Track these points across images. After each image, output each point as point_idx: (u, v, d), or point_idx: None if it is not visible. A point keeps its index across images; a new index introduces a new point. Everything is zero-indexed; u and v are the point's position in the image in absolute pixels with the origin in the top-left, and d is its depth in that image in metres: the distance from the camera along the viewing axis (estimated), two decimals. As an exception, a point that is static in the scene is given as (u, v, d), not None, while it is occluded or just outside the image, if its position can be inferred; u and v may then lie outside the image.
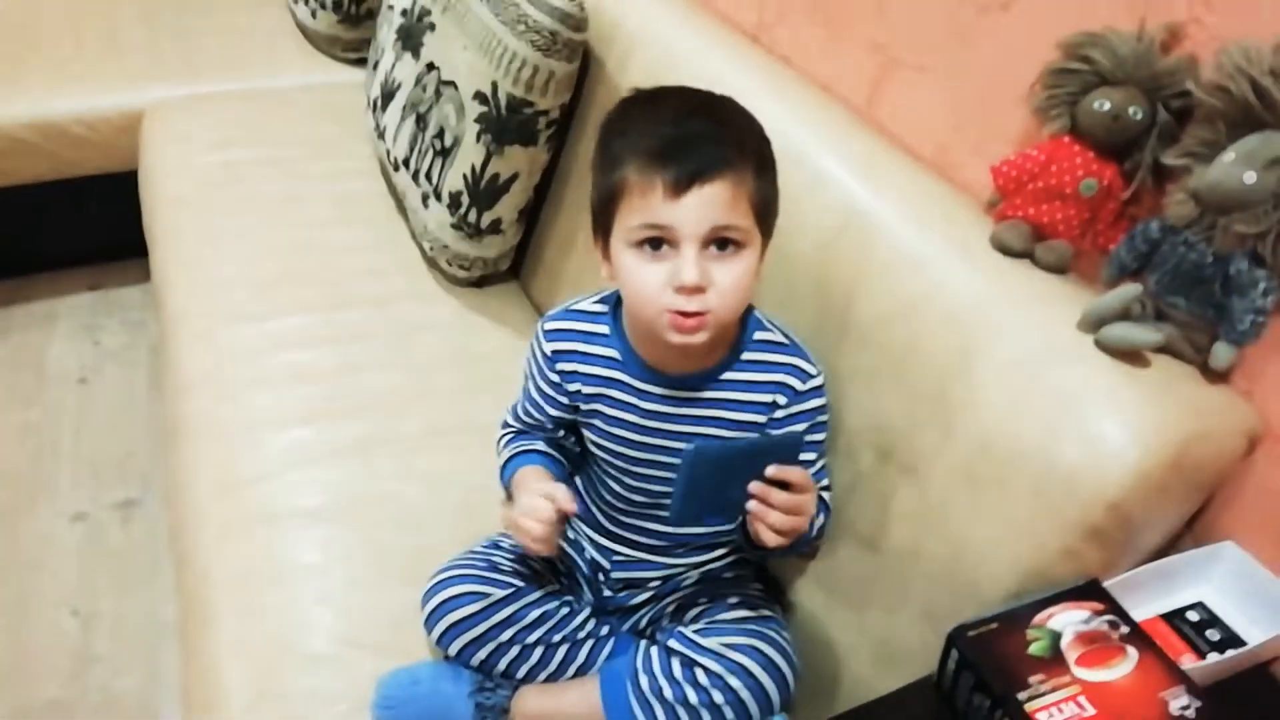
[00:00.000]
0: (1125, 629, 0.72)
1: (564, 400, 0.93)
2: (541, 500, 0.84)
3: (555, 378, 0.93)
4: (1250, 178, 0.68)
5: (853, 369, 0.91)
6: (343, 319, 1.36)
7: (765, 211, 0.82)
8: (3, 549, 1.52)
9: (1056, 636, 0.71)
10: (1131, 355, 0.75)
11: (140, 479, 1.64)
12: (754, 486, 0.75)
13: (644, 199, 0.78)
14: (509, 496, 0.95)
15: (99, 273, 2.06)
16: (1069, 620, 0.72)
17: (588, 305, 0.94)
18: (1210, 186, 0.70)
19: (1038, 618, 0.73)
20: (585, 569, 0.98)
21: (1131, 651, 0.70)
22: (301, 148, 1.72)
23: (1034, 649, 0.70)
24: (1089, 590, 0.75)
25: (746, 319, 0.88)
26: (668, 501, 0.78)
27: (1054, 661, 0.69)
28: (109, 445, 1.71)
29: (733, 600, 0.92)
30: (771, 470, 0.75)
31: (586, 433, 0.94)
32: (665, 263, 0.78)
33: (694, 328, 0.79)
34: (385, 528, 1.08)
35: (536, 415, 0.97)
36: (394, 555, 1.05)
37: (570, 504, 0.84)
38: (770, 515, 0.76)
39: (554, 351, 0.93)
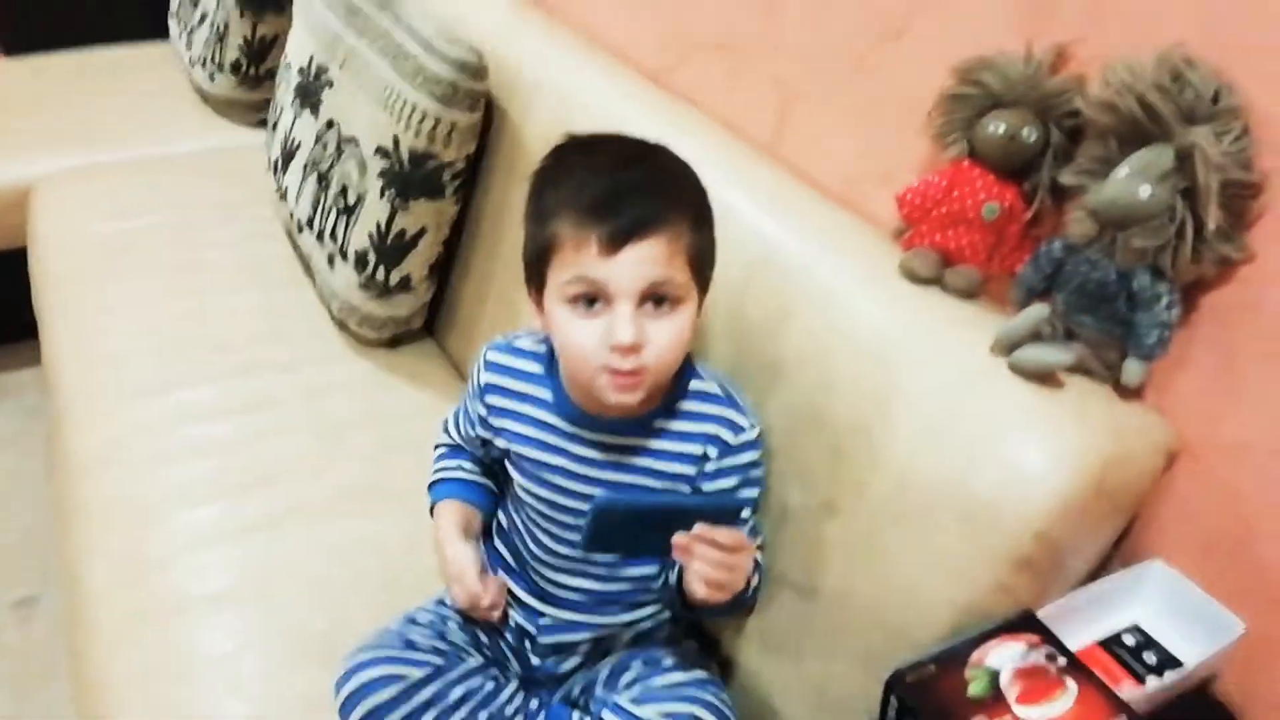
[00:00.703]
0: (1063, 660, 0.70)
1: (489, 433, 0.92)
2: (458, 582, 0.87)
3: (483, 410, 0.91)
4: (1145, 191, 0.68)
5: (774, 409, 0.88)
6: (247, 387, 1.30)
7: (702, 264, 0.80)
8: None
9: (995, 675, 0.69)
10: (1045, 377, 0.74)
11: (38, 574, 1.54)
12: (678, 538, 0.72)
13: (577, 254, 0.76)
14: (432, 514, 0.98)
15: (-9, 356, 1.95)
16: (1006, 656, 0.70)
17: (527, 344, 0.92)
18: (1107, 203, 0.70)
19: (974, 655, 0.70)
20: (511, 637, 0.93)
21: (1071, 684, 0.68)
22: (202, 213, 1.66)
23: (973, 689, 0.68)
24: (1023, 622, 0.73)
25: (682, 367, 0.85)
26: (599, 557, 0.74)
27: (995, 701, 0.67)
28: (2, 539, 1.60)
29: (667, 663, 0.88)
30: (698, 529, 0.72)
31: (514, 474, 0.91)
32: (600, 319, 0.76)
33: (630, 385, 0.77)
34: (298, 606, 1.02)
35: (469, 434, 0.96)
36: (309, 636, 0.98)
37: (499, 596, 0.89)
38: (694, 563, 0.73)
39: (487, 384, 0.91)
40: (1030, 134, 0.78)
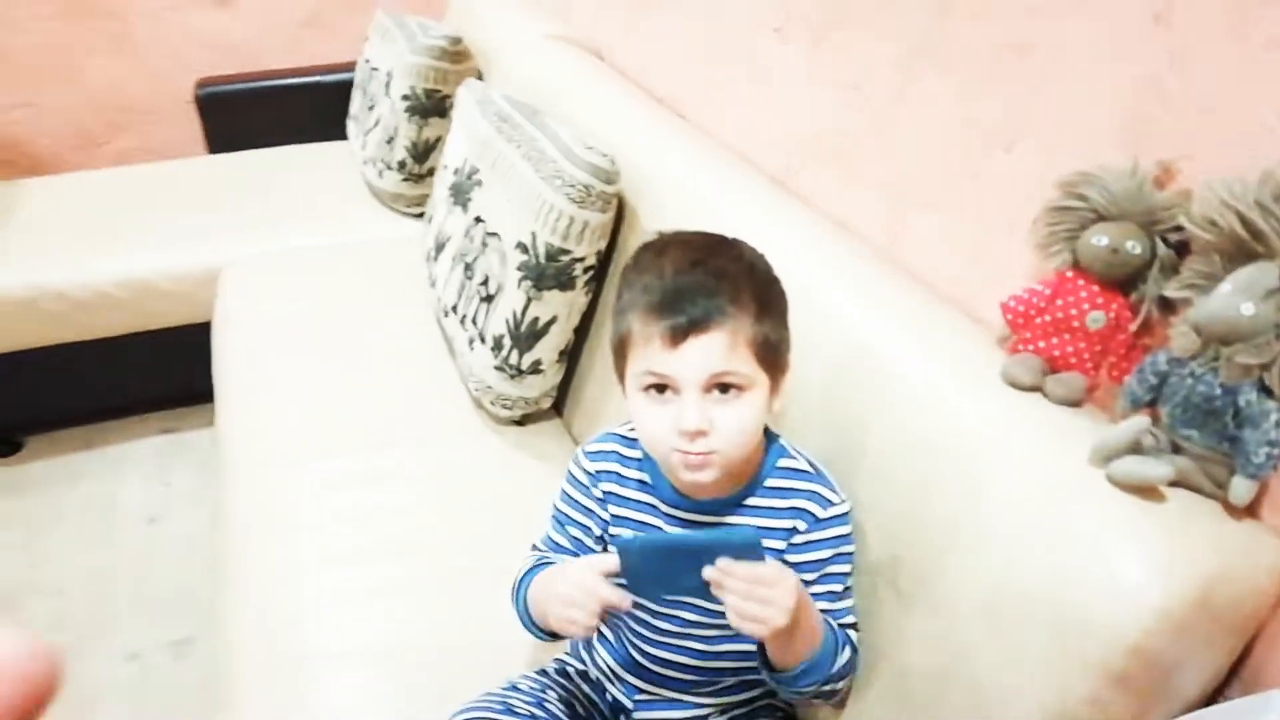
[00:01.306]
0: (1161, 785, 0.67)
1: (603, 520, 0.95)
2: (581, 590, 0.81)
3: (599, 494, 0.95)
4: (1249, 309, 0.68)
5: (869, 502, 0.90)
6: (389, 460, 1.41)
7: (770, 352, 0.84)
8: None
9: (1085, 792, 0.67)
10: (1146, 490, 0.73)
11: (197, 617, 1.68)
12: (707, 572, 0.75)
13: (646, 348, 0.82)
14: (526, 617, 0.94)
15: (172, 417, 2.17)
16: (1099, 774, 0.68)
17: (625, 430, 0.98)
18: (1209, 318, 0.70)
19: (1065, 771, 0.69)
20: (606, 710, 0.97)
21: (1166, 810, 0.65)
22: (362, 297, 1.83)
23: (1060, 806, 0.66)
24: (1121, 742, 0.71)
25: (770, 447, 0.90)
26: (697, 632, 0.79)
27: (1081, 820, 0.65)
28: (170, 584, 1.76)
29: (758, 746, 0.89)
30: (721, 563, 0.75)
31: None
32: (670, 406, 0.82)
33: (700, 465, 0.82)
34: (415, 671, 1.08)
35: (566, 540, 0.98)
36: (422, 699, 1.04)
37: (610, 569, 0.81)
38: (727, 597, 0.75)
39: (597, 471, 0.96)
40: (1135, 247, 0.79)
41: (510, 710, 0.91)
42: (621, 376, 0.88)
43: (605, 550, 0.96)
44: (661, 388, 0.82)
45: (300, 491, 1.34)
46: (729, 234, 0.90)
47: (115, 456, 2.09)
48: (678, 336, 0.80)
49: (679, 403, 0.81)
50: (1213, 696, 0.79)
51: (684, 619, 0.92)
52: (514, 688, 0.95)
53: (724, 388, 0.81)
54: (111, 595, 1.74)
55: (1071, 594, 0.71)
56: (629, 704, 0.95)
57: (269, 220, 2.14)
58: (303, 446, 1.42)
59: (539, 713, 0.92)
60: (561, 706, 0.94)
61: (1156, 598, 0.68)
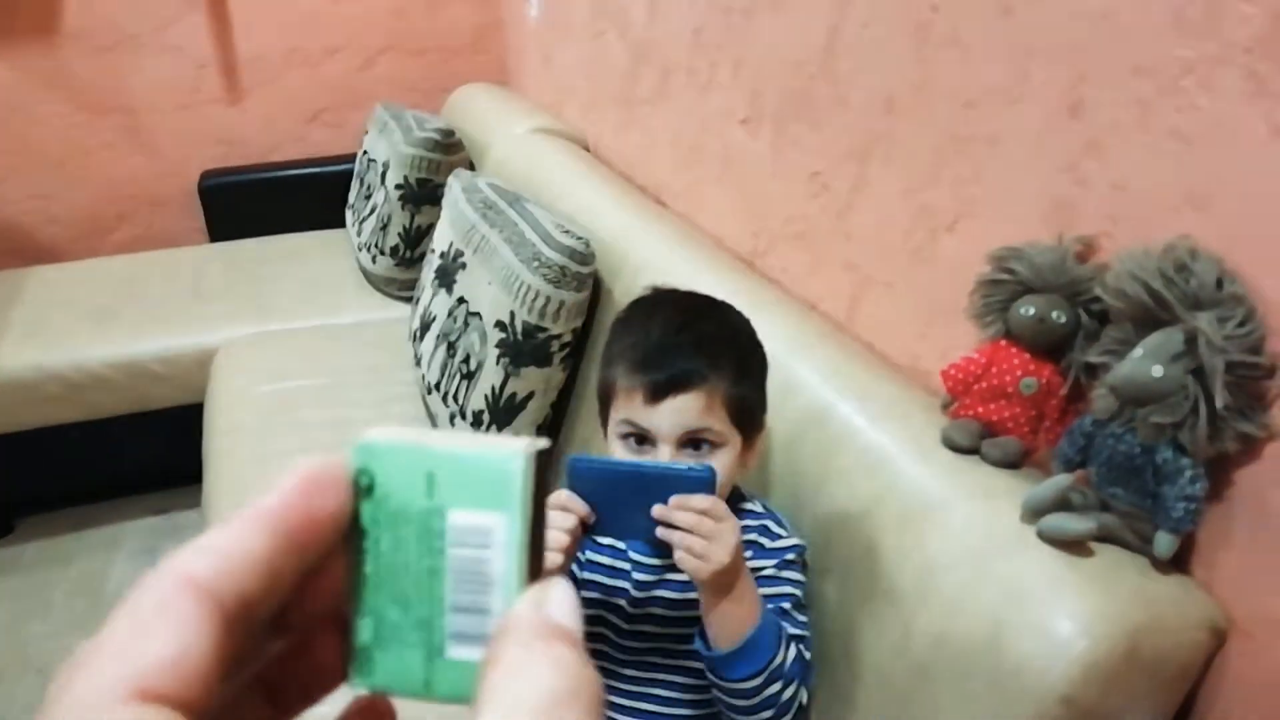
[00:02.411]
0: (1097, 836, 0.69)
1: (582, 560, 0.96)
2: (554, 512, 0.80)
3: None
4: (1158, 371, 0.72)
5: (823, 565, 0.93)
6: (369, 533, 1.43)
7: (745, 413, 0.89)
8: (38, 769, 1.55)
9: (1022, 843, 0.68)
10: (1074, 545, 0.76)
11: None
12: (657, 510, 0.78)
13: (628, 400, 0.87)
14: None
15: (164, 498, 2.19)
16: (1037, 826, 0.70)
17: None
18: (1123, 381, 0.75)
19: (1004, 823, 0.70)
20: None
21: None
22: (351, 376, 1.88)
23: None
24: (1061, 794, 0.73)
25: (733, 495, 0.93)
26: (663, 676, 0.84)
27: None
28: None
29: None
30: (674, 498, 0.77)
31: (589, 608, 0.97)
32: (647, 457, 0.87)
33: None
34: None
35: None
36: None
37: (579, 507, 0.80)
38: (674, 534, 0.77)
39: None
40: (1060, 317, 0.84)
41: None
42: (605, 421, 0.93)
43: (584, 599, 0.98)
44: (640, 438, 0.87)
45: (281, 565, 1.37)
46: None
47: (106, 538, 2.11)
48: (658, 394, 0.85)
49: (655, 454, 0.86)
50: (1159, 751, 0.81)
51: (648, 662, 0.94)
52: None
53: (697, 444, 0.86)
54: (94, 675, 1.74)
55: (1007, 647, 0.74)
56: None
57: (264, 304, 2.21)
58: (286, 521, 1.45)
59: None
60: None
61: (1083, 649, 0.71)
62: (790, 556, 0.91)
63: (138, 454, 2.13)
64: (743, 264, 1.44)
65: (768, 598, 0.89)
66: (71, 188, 2.63)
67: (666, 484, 0.79)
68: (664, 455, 0.85)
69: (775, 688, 0.83)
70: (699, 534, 0.78)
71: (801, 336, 1.15)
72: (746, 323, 0.94)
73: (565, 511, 0.79)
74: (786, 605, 0.90)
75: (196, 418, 1.94)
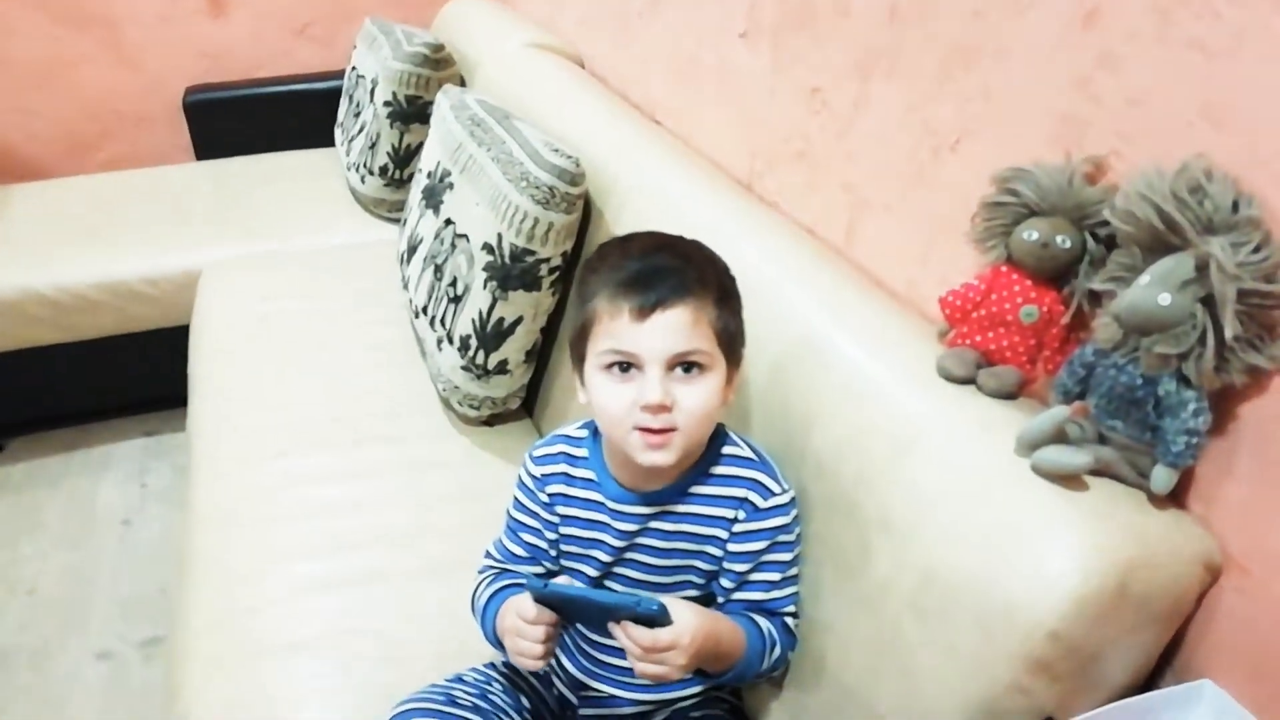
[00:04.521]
0: (1081, 772, 0.68)
1: (553, 522, 0.95)
2: (525, 626, 0.84)
3: (545, 498, 0.96)
4: (1165, 299, 0.69)
5: (811, 493, 0.91)
6: (357, 457, 1.42)
7: (728, 339, 0.86)
8: (31, 687, 1.56)
9: (1003, 778, 0.67)
10: (1068, 479, 0.74)
11: (167, 616, 1.68)
12: (612, 628, 0.80)
13: (613, 324, 0.83)
14: (499, 646, 0.93)
15: (154, 420, 2.19)
16: (1019, 761, 0.69)
17: (571, 430, 0.99)
18: (1128, 309, 0.71)
19: (986, 758, 0.69)
20: (553, 704, 0.97)
21: (1082, 796, 0.66)
22: (338, 300, 1.84)
23: (977, 791, 0.67)
24: (1044, 729, 0.72)
25: (716, 436, 0.91)
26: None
27: (997, 804, 0.65)
28: (143, 584, 1.77)
29: (696, 742, 0.89)
30: (624, 627, 0.79)
31: (564, 560, 0.96)
32: (632, 384, 0.83)
33: (660, 444, 0.83)
34: (369, 663, 1.09)
35: (521, 549, 0.98)
36: (374, 691, 1.05)
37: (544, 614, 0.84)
38: (629, 656, 0.80)
39: (543, 475, 0.96)
40: (1064, 241, 0.80)
41: (453, 701, 0.91)
42: (580, 363, 0.89)
43: (559, 551, 0.97)
44: (625, 366, 0.83)
45: (264, 488, 1.35)
46: (690, 235, 0.92)
47: (97, 459, 2.11)
48: (645, 311, 0.82)
49: (641, 379, 0.82)
50: (1144, 685, 0.79)
51: (622, 595, 0.92)
52: (459, 679, 0.96)
53: (686, 367, 0.83)
54: (84, 596, 1.75)
55: (996, 582, 0.72)
56: (574, 700, 0.96)
57: (250, 225, 2.16)
58: (269, 444, 1.43)
59: (483, 704, 0.93)
60: (506, 699, 0.95)
61: (1074, 584, 0.69)
62: (783, 521, 0.89)
63: (127, 376, 2.11)
64: (739, 186, 1.39)
65: (759, 572, 0.89)
66: (53, 103, 2.56)
67: (615, 613, 0.80)
68: (652, 377, 0.81)
69: (762, 676, 0.90)
70: (646, 661, 0.80)
71: (796, 261, 1.11)
72: (717, 255, 0.91)
73: (535, 625, 0.84)
74: (775, 577, 0.89)
75: (185, 340, 1.91)
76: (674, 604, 0.80)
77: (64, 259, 2.00)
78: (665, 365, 0.82)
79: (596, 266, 0.88)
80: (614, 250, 0.89)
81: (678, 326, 0.82)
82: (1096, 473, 0.75)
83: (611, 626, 0.80)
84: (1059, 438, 0.75)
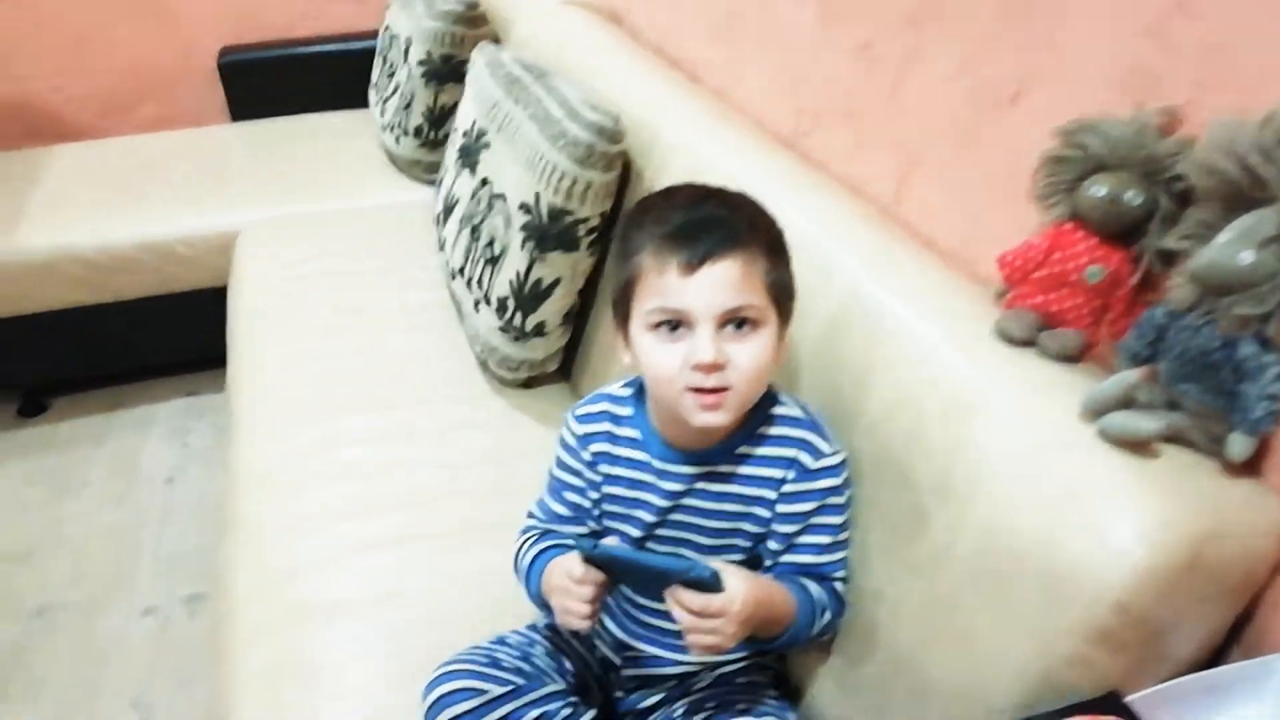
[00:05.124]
0: (1145, 748, 0.66)
1: (595, 481, 0.94)
2: (573, 585, 0.83)
3: (589, 457, 0.94)
4: (1247, 257, 0.65)
5: (863, 456, 0.89)
6: (393, 419, 1.41)
7: (780, 293, 0.84)
8: (78, 642, 1.59)
9: (1065, 754, 0.65)
10: (1138, 446, 0.71)
11: (210, 574, 1.70)
12: (666, 593, 0.78)
13: (660, 280, 0.80)
14: (543, 606, 0.92)
15: (196, 380, 2.20)
16: (1080, 736, 0.67)
17: (614, 389, 0.97)
18: (1207, 268, 0.67)
19: (1045, 732, 0.67)
20: (596, 667, 0.96)
21: (1148, 773, 0.63)
22: (375, 261, 1.83)
23: (1038, 766, 0.65)
24: (1107, 703, 0.69)
25: (765, 395, 0.88)
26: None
27: (1059, 781, 0.64)
28: (186, 542, 1.79)
29: (740, 706, 0.88)
30: (675, 592, 0.77)
31: (608, 520, 0.94)
32: (682, 343, 0.80)
33: (714, 404, 0.80)
34: (408, 625, 1.09)
35: (564, 508, 0.97)
36: (414, 653, 1.04)
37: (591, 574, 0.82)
38: (679, 623, 0.78)
39: (585, 433, 0.95)
40: (1134, 197, 0.76)
41: (495, 664, 0.91)
42: (625, 323, 0.86)
43: (602, 511, 0.95)
44: (674, 325, 0.81)
45: (305, 449, 1.35)
46: None
47: (139, 418, 2.13)
48: (693, 265, 0.78)
49: (692, 338, 0.79)
50: (1211, 659, 0.77)
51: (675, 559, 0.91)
52: (501, 641, 0.95)
53: (739, 323, 0.80)
54: (130, 553, 1.77)
55: (1059, 550, 0.69)
56: (618, 661, 0.95)
57: (286, 186, 2.15)
58: (307, 406, 1.43)
59: (525, 666, 0.92)
60: (549, 661, 0.94)
61: (1144, 555, 0.66)
62: (834, 482, 0.87)
63: (167, 336, 2.13)
64: (782, 144, 1.35)
65: (808, 535, 0.87)
66: (90, 65, 2.56)
67: (666, 578, 0.78)
68: (704, 335, 0.78)
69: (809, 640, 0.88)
70: (700, 630, 0.77)
71: (844, 220, 1.07)
72: (765, 207, 0.88)
73: (583, 585, 0.82)
74: (825, 540, 0.87)
75: (224, 300, 1.91)
76: (726, 570, 0.78)
77: (102, 220, 2.01)
78: (717, 322, 0.79)
79: (639, 220, 0.85)
80: (657, 202, 0.86)
81: (728, 280, 0.79)
82: (1167, 439, 0.72)
83: (666, 595, 0.78)
84: (1128, 402, 0.72)
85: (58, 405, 2.16)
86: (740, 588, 0.77)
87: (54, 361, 2.10)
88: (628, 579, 0.86)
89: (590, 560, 0.80)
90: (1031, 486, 0.73)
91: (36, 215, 2.02)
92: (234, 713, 1.02)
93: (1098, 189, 0.78)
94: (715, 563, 0.78)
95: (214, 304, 1.95)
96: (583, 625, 0.83)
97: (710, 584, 0.76)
